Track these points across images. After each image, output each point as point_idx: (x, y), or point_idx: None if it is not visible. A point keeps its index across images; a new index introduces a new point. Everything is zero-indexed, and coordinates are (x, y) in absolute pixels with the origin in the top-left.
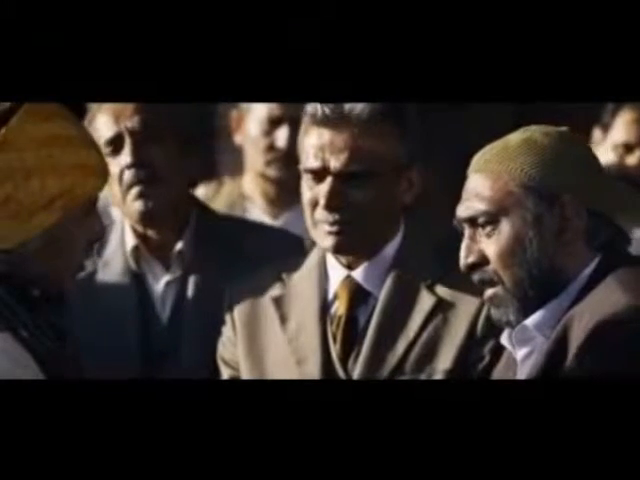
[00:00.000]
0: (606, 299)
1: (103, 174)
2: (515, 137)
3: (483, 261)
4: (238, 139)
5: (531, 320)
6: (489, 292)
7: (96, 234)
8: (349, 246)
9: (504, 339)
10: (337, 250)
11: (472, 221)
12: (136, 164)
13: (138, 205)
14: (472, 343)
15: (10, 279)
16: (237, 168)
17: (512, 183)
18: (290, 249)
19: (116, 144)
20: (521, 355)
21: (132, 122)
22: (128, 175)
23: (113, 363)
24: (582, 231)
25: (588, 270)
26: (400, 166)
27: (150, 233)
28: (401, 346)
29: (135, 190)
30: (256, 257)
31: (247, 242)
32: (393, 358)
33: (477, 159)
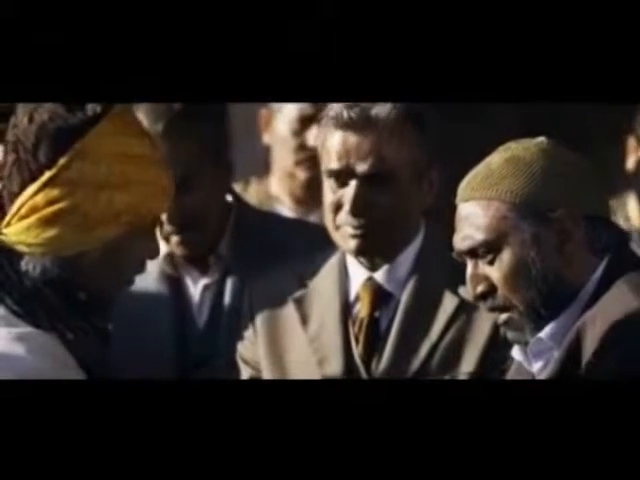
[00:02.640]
0: (617, 302)
1: (169, 195)
2: (496, 159)
3: (491, 289)
4: (266, 139)
5: (545, 332)
6: (503, 317)
7: (151, 253)
8: (372, 249)
9: (516, 353)
10: (360, 253)
11: (472, 252)
12: None
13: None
14: (495, 345)
15: (61, 283)
16: (259, 168)
17: (504, 207)
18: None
19: None
20: (537, 368)
21: None
22: None
23: (149, 367)
24: (583, 239)
25: (596, 275)
26: (421, 168)
27: (186, 239)
28: (424, 348)
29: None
30: (297, 256)
31: (289, 241)
32: (416, 360)
33: (463, 188)
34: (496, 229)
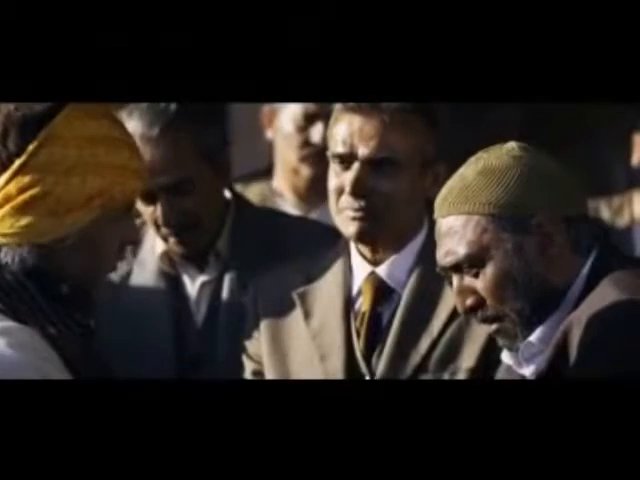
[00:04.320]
0: (602, 300)
1: (143, 178)
2: (470, 171)
3: (480, 301)
4: (269, 135)
5: (535, 336)
6: (494, 327)
7: (130, 237)
8: (372, 234)
9: (506, 357)
10: (359, 237)
11: (456, 267)
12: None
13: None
14: (496, 341)
15: (41, 274)
16: (260, 166)
17: (484, 220)
18: (331, 242)
19: None
20: (530, 372)
21: None
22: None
23: (146, 365)
24: (565, 241)
25: (582, 274)
26: (427, 160)
27: (184, 239)
28: (424, 344)
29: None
30: (296, 252)
31: (287, 237)
32: (416, 356)
33: (440, 203)
34: (478, 242)
